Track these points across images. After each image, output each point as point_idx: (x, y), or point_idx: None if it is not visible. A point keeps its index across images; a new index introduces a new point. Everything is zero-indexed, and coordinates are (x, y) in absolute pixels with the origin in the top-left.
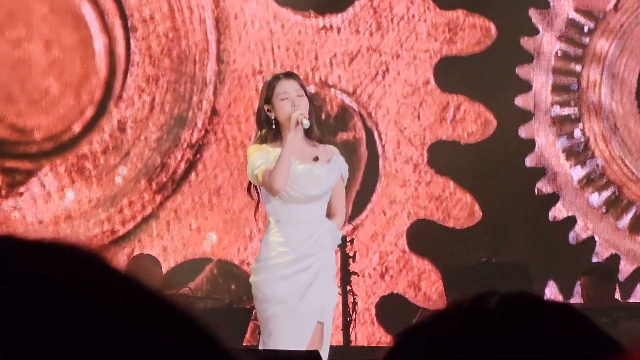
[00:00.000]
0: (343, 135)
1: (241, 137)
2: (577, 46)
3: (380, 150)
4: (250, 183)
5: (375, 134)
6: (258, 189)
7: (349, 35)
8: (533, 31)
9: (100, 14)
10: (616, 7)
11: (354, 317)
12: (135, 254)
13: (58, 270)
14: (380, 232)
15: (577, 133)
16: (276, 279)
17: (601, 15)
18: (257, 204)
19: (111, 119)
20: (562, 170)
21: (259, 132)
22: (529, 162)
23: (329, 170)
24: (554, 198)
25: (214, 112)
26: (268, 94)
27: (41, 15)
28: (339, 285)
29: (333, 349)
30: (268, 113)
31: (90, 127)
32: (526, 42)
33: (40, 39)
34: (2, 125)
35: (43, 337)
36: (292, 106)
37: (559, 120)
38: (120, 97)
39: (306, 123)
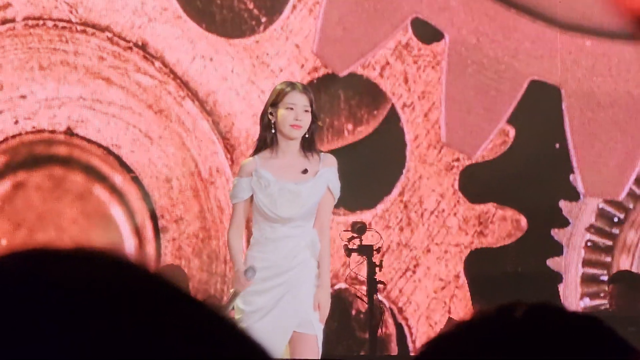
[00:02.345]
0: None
1: None
2: (606, 237)
3: (410, 346)
4: None
5: (406, 329)
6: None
7: (379, 230)
8: (563, 222)
9: (130, 215)
10: None
11: (380, 327)
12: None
13: (97, 278)
14: None
15: None
16: (250, 293)
17: (631, 205)
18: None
19: None
20: None
21: (259, 135)
22: None
23: (313, 185)
24: None
25: None
26: (277, 99)
27: (71, 217)
28: (365, 294)
29: (360, 359)
30: (270, 117)
31: None
32: (557, 233)
33: (70, 242)
34: None
35: (91, 347)
36: (295, 119)
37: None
38: None
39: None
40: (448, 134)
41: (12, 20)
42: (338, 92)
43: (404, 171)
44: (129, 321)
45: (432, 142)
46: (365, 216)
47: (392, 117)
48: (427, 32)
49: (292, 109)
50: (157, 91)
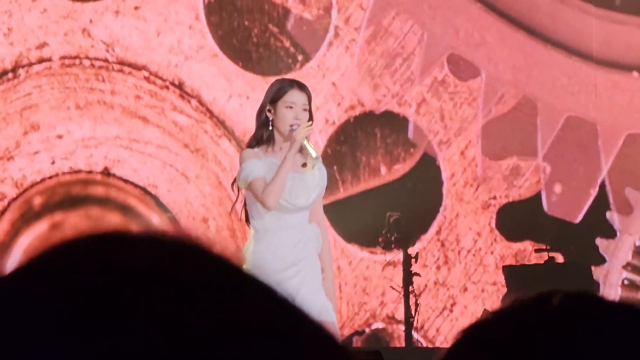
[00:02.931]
0: None
1: None
2: None
3: None
4: (235, 180)
5: None
6: (242, 192)
7: (417, 269)
8: (600, 260)
9: None
10: None
11: (416, 318)
12: None
13: (175, 263)
14: None
15: None
16: None
17: None
18: (237, 198)
19: None
20: None
21: (255, 132)
22: None
23: (315, 177)
24: None
25: None
26: (275, 97)
27: None
28: (401, 286)
29: (396, 350)
30: (268, 114)
31: None
32: (593, 271)
33: None
34: None
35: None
36: (295, 118)
37: None
38: None
39: (316, 156)
40: (484, 171)
41: (49, 60)
42: (375, 130)
43: (441, 209)
44: (214, 311)
45: (468, 179)
46: (401, 255)
47: (429, 155)
48: (463, 69)
49: (291, 107)
50: (193, 130)
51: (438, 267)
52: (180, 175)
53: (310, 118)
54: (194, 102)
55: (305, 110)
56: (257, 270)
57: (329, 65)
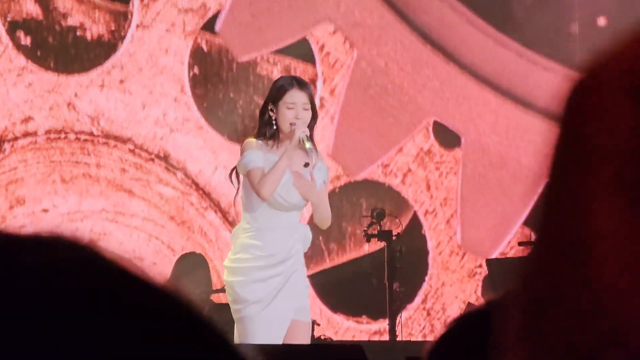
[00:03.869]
0: None
1: None
2: None
3: None
4: (233, 169)
5: None
6: (240, 181)
7: (402, 338)
8: None
9: None
10: None
11: (400, 313)
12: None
13: (59, 264)
14: None
15: None
16: (250, 282)
17: None
18: (237, 190)
19: None
20: None
21: (259, 129)
22: None
23: (315, 177)
24: None
25: None
26: (277, 96)
27: None
28: (386, 280)
29: (380, 344)
30: (271, 113)
31: None
32: None
33: None
34: None
35: (46, 334)
36: (295, 118)
37: None
38: None
39: (309, 147)
40: (464, 238)
41: (34, 134)
42: (360, 201)
43: (427, 278)
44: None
45: (454, 248)
46: (386, 324)
47: (415, 224)
48: (448, 138)
49: (292, 107)
50: (179, 202)
51: (424, 336)
52: (167, 248)
53: (314, 115)
54: (179, 175)
55: (305, 109)
56: (243, 264)
57: (314, 135)
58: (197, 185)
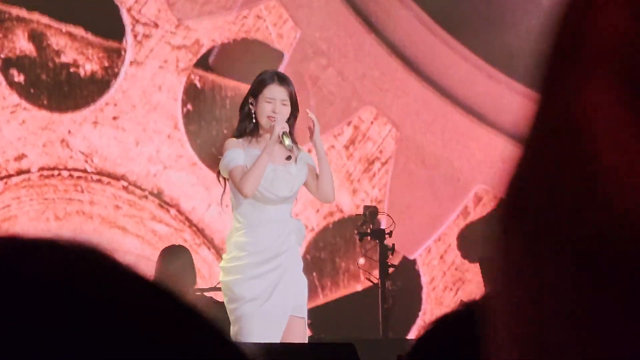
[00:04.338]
0: None
1: None
2: None
3: None
4: (218, 172)
5: None
6: (227, 181)
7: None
8: None
9: None
10: None
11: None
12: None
13: (65, 270)
14: None
15: None
16: (247, 279)
17: None
18: (224, 190)
19: None
20: None
21: (239, 124)
22: None
23: (299, 169)
24: None
25: None
26: (257, 90)
27: None
28: (378, 278)
29: (372, 342)
30: (250, 106)
31: None
32: None
33: None
34: None
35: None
36: (273, 112)
37: None
38: None
39: (288, 143)
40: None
41: (27, 171)
42: (354, 237)
43: (420, 314)
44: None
45: (448, 284)
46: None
47: (409, 260)
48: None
49: (270, 102)
50: (172, 239)
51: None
52: None
53: (295, 110)
54: (172, 211)
55: (284, 104)
56: (238, 262)
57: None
58: (190, 221)
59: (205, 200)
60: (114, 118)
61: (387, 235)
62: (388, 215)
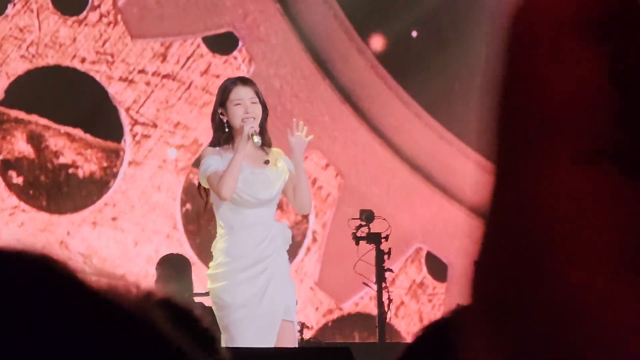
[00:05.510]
0: None
1: None
2: None
3: None
4: (199, 185)
5: None
6: (208, 191)
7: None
8: None
9: None
10: None
11: (388, 315)
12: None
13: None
14: None
15: None
16: (235, 285)
17: None
18: (206, 203)
19: None
20: None
21: (213, 135)
22: None
23: (278, 172)
24: None
25: None
26: (223, 98)
27: None
28: (375, 282)
29: (368, 346)
30: (221, 116)
31: None
32: None
33: None
34: None
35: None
36: (245, 113)
37: None
38: None
39: (257, 141)
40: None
41: None
42: (353, 334)
43: None
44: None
45: None
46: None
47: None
48: (439, 270)
49: (239, 104)
50: None
51: None
52: None
53: (264, 109)
54: None
55: (254, 103)
56: (224, 268)
57: (307, 270)
58: None
59: (207, 302)
60: (113, 219)
61: (383, 240)
62: (384, 219)
